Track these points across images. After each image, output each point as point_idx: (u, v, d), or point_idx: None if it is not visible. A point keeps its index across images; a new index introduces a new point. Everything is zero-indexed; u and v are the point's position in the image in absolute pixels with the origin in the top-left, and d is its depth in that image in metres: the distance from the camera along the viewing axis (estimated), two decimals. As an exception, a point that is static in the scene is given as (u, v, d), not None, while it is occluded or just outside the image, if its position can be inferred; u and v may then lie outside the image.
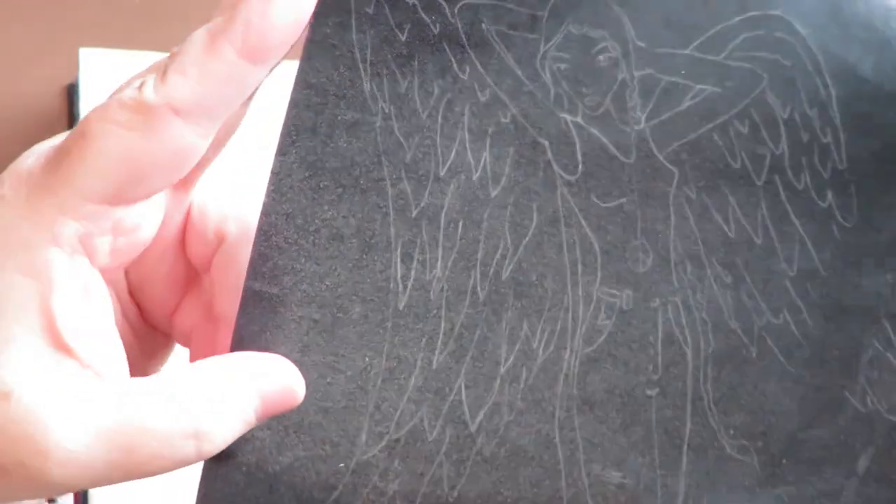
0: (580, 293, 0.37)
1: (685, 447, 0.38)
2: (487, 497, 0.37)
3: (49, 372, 0.32)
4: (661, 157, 0.37)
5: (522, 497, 0.37)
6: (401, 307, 0.37)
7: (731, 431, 0.38)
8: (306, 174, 0.36)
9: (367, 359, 0.37)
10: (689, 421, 0.38)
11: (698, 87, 0.37)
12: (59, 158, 0.33)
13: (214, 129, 0.34)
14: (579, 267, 0.37)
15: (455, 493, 0.37)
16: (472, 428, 0.37)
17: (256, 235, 0.36)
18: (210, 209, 0.38)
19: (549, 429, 0.37)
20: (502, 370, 0.37)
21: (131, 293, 0.38)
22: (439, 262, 0.37)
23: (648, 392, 0.38)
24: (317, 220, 0.36)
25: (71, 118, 0.65)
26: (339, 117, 0.36)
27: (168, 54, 0.34)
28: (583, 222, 0.37)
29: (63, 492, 0.32)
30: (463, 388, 0.37)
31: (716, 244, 0.38)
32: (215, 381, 0.34)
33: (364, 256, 0.36)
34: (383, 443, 0.37)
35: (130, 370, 0.35)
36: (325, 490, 0.37)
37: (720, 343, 0.38)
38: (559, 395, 0.37)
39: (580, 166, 0.37)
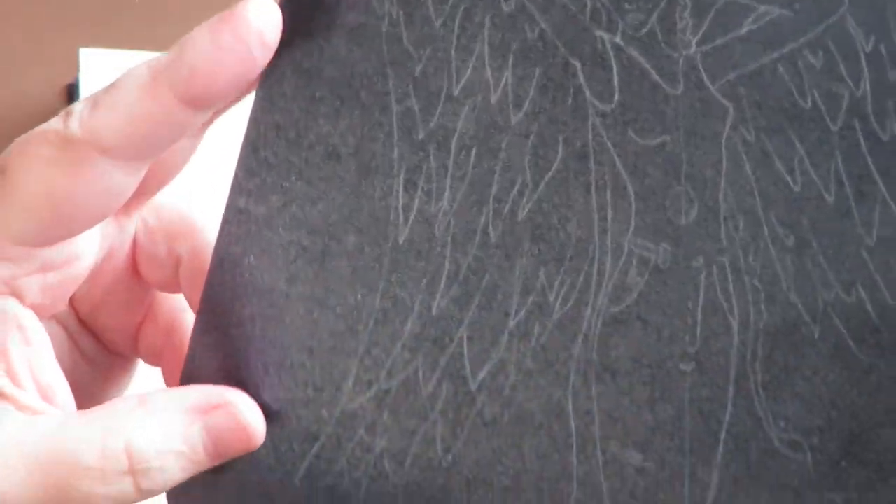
0: (609, 243, 0.32)
1: (723, 434, 0.32)
2: (486, 465, 0.33)
3: None
4: (713, 90, 0.32)
5: (526, 469, 0.32)
6: (400, 241, 0.33)
7: (782, 423, 0.32)
8: (300, 82, 0.32)
9: (359, 296, 0.33)
10: (729, 404, 0.32)
11: (762, 7, 0.31)
12: None
13: (144, 168, 0.31)
14: (609, 212, 0.32)
15: (450, 457, 0.33)
16: (473, 386, 0.33)
17: (242, 147, 0.33)
18: (158, 231, 0.36)
19: (560, 395, 0.32)
20: (511, 323, 0.33)
21: (84, 322, 0.36)
22: (447, 194, 0.32)
23: (682, 367, 0.32)
24: (311, 135, 0.32)
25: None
26: (339, 20, 0.32)
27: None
28: (616, 161, 0.32)
29: None
30: (465, 340, 0.33)
31: (776, 198, 0.32)
32: (158, 415, 0.31)
33: (363, 180, 0.32)
34: (371, 392, 0.33)
35: (89, 399, 0.33)
36: (306, 441, 0.33)
37: (775, 317, 0.32)
38: (575, 359, 0.32)
39: (616, 95, 0.32)
